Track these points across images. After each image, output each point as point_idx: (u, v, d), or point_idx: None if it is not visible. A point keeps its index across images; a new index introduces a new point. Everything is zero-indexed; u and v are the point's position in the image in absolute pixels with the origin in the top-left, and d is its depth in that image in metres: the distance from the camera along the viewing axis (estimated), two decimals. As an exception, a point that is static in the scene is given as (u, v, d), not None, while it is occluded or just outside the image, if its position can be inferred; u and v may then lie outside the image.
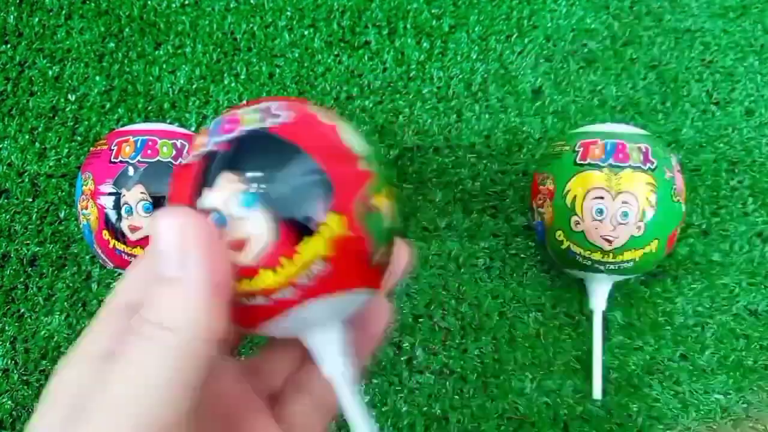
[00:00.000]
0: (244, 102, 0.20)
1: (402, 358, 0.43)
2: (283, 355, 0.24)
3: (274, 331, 0.20)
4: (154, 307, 0.17)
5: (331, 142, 0.19)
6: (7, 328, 0.43)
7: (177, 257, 0.17)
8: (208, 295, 0.17)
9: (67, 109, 0.47)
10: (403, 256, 0.21)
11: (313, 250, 0.17)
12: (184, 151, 0.38)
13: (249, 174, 0.17)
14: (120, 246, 0.37)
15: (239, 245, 0.17)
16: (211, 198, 0.18)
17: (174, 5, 0.49)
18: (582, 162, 0.37)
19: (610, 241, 0.37)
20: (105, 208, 0.37)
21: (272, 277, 0.18)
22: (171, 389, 0.16)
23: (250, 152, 0.18)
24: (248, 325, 0.19)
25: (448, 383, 0.42)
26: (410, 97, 0.48)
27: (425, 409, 0.42)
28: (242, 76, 0.48)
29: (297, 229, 0.17)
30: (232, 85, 0.48)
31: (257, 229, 0.17)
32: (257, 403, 0.22)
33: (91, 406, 0.16)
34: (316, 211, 0.17)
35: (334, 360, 0.20)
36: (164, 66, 0.48)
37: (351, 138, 0.19)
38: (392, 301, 0.43)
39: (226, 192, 0.17)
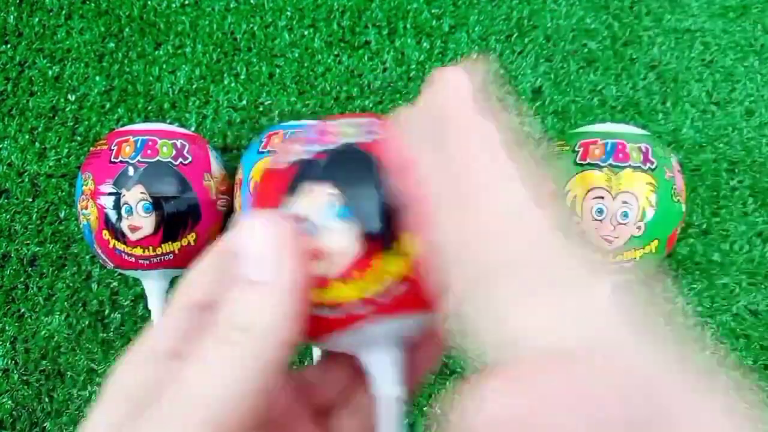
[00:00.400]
0: (341, 114, 0.20)
1: (402, 358, 0.43)
2: (336, 370, 0.23)
3: (336, 345, 0.19)
4: (234, 308, 0.17)
5: None
6: (7, 328, 0.43)
7: (262, 260, 0.17)
8: (290, 300, 0.17)
9: (67, 109, 0.47)
10: None
11: (388, 266, 0.18)
12: (184, 151, 0.38)
13: (337, 186, 0.18)
14: (120, 246, 0.37)
15: (317, 254, 0.18)
16: (297, 205, 0.18)
17: (174, 5, 0.49)
18: (582, 162, 0.37)
19: (610, 241, 0.37)
20: (105, 208, 0.37)
21: (344, 290, 0.18)
22: (244, 391, 0.16)
23: (342, 165, 0.18)
24: (313, 336, 0.19)
25: (448, 383, 0.42)
26: (410, 97, 0.48)
27: (425, 408, 0.42)
28: (242, 76, 0.48)
29: (375, 245, 0.18)
30: (232, 85, 0.48)
31: (338, 240, 0.17)
32: (303, 416, 0.22)
33: (158, 403, 0.16)
34: (396, 229, 0.18)
35: (391, 382, 0.20)
36: (164, 66, 0.48)
37: None
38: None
39: (313, 201, 0.18)
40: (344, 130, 0.19)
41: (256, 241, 0.17)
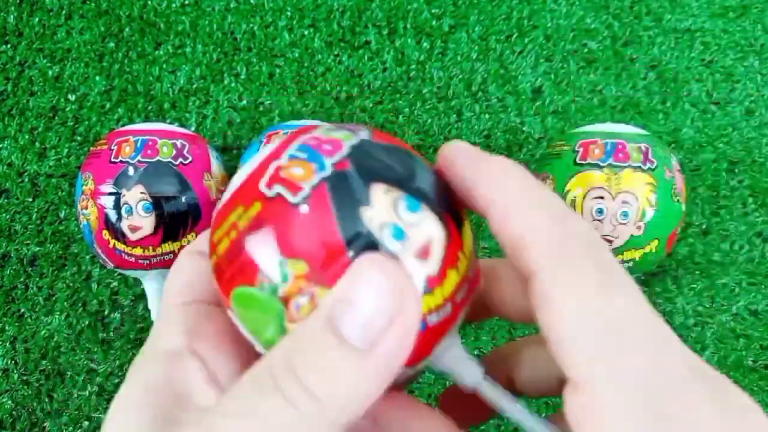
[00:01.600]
0: (298, 129, 0.18)
1: (402, 358, 0.43)
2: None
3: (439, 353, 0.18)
4: (311, 367, 0.14)
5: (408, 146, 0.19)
6: (7, 328, 0.43)
7: (370, 324, 0.14)
8: (383, 377, 0.14)
9: (67, 109, 0.47)
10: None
11: (469, 239, 0.18)
12: (184, 151, 0.38)
13: (390, 182, 0.16)
14: (120, 246, 0.37)
15: (425, 252, 0.16)
16: (373, 214, 0.15)
17: (174, 5, 0.49)
18: (582, 162, 0.37)
19: (610, 241, 0.37)
20: (105, 208, 0.37)
21: (455, 277, 0.16)
22: None
23: (373, 162, 0.16)
24: (421, 354, 0.17)
25: (447, 383, 0.42)
26: (410, 97, 0.48)
27: (425, 409, 0.42)
28: (242, 76, 0.48)
29: (454, 224, 0.17)
30: (232, 85, 0.48)
31: (433, 228, 0.16)
32: None
33: None
34: (456, 201, 0.18)
35: (472, 369, 0.18)
36: (164, 66, 0.48)
37: None
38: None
39: (379, 208, 0.16)
40: (335, 135, 0.17)
41: (369, 298, 0.14)
